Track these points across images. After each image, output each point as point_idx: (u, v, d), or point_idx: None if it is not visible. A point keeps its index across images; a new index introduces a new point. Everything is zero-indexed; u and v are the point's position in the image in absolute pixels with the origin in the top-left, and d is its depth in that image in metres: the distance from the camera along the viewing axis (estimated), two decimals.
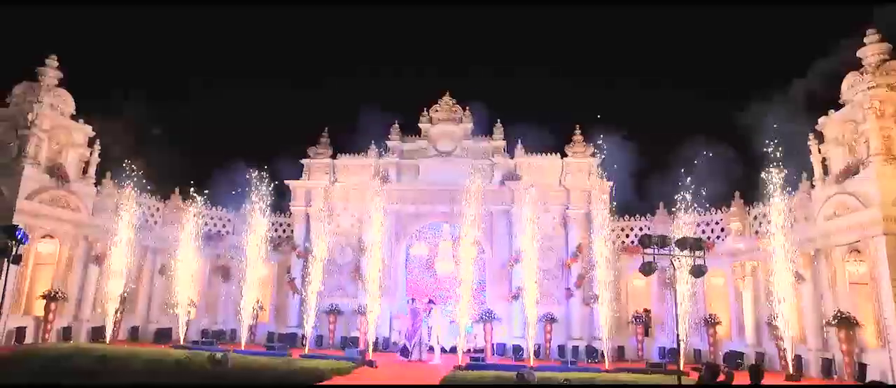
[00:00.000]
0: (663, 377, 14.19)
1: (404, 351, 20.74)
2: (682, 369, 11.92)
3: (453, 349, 23.01)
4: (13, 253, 14.47)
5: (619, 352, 23.50)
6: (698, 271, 12.81)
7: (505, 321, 24.64)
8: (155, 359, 14.50)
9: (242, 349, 19.40)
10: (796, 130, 22.09)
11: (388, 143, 27.35)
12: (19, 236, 14.57)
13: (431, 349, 20.98)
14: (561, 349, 23.91)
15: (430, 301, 21.86)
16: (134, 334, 23.59)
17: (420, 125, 27.50)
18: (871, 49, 18.30)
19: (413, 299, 21.82)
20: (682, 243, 12.61)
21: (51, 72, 22.33)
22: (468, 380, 13.06)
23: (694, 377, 13.02)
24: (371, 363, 17.62)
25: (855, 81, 18.55)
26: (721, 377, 10.79)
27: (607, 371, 16.51)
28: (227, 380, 12.34)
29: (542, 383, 12.48)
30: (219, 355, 13.67)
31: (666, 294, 24.64)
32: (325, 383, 13.09)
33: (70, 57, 23.19)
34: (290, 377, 12.89)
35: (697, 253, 12.79)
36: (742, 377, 9.02)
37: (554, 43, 34.06)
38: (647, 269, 12.41)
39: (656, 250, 12.43)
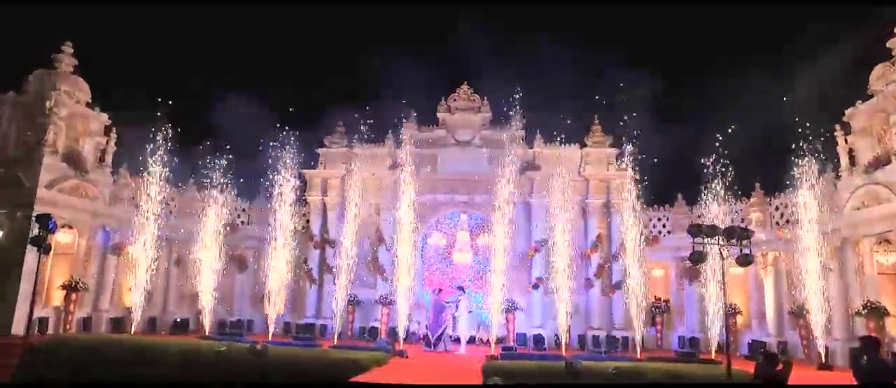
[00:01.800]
0: (706, 368, 14.17)
1: (427, 342, 20.61)
2: (727, 358, 11.83)
3: (470, 339, 22.98)
4: (45, 243, 14.32)
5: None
6: (745, 260, 12.84)
7: (524, 311, 24.62)
8: (191, 350, 14.23)
9: (270, 339, 19.20)
10: (816, 120, 22.22)
11: (406, 132, 27.10)
12: (51, 227, 14.40)
13: (457, 339, 20.89)
14: (581, 338, 23.98)
15: (461, 288, 21.70)
16: (151, 325, 23.30)
17: (438, 115, 27.31)
18: None
19: (440, 290, 21.63)
20: (730, 233, 12.60)
21: (66, 59, 21.94)
22: (514, 370, 12.95)
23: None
24: (402, 354, 17.54)
25: (884, 72, 18.56)
26: (779, 367, 10.83)
27: (640, 360, 16.50)
28: (283, 372, 12.25)
29: (588, 373, 12.41)
30: (259, 346, 13.49)
31: (684, 284, 24.78)
32: (369, 373, 12.96)
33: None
34: (336, 368, 12.75)
35: (744, 242, 12.85)
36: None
37: (573, 35, 33.67)
38: (697, 257, 12.42)
39: (705, 239, 12.41)
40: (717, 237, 12.43)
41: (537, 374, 12.61)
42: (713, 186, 21.32)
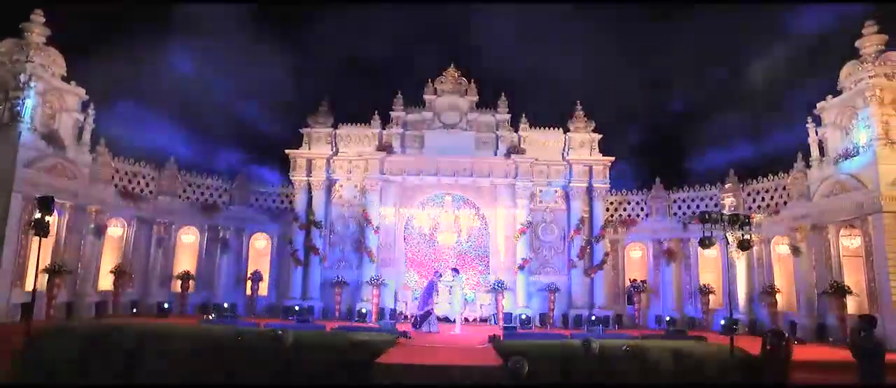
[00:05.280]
0: (700, 344, 15.06)
1: (414, 322, 21.00)
2: (730, 338, 12.72)
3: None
4: (47, 227, 13.75)
5: (618, 320, 24.91)
6: (746, 245, 13.85)
7: (511, 291, 25.31)
8: (201, 336, 14.03)
9: (271, 322, 19.05)
10: (786, 112, 23.88)
11: (392, 113, 27.06)
12: (53, 209, 13.83)
13: (446, 319, 21.31)
14: (564, 317, 24.97)
15: (455, 270, 22.06)
16: (135, 308, 22.63)
17: (425, 97, 27.29)
18: (870, 40, 19.63)
19: (439, 274, 21.94)
20: (734, 220, 13.52)
21: (37, 29, 20.58)
22: (529, 349, 13.46)
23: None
24: (405, 335, 17.81)
25: (853, 70, 19.92)
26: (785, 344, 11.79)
27: (635, 338, 17.39)
28: (308, 355, 12.32)
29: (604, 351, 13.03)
30: (279, 331, 13.46)
31: (661, 264, 26.11)
32: (386, 355, 13.18)
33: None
34: (358, 351, 12.87)
35: (744, 229, 13.82)
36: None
37: (558, 18, 33.79)
38: (706, 243, 13.26)
39: (713, 226, 13.27)
40: (722, 224, 13.29)
41: (555, 353, 13.12)
42: (691, 171, 22.60)
